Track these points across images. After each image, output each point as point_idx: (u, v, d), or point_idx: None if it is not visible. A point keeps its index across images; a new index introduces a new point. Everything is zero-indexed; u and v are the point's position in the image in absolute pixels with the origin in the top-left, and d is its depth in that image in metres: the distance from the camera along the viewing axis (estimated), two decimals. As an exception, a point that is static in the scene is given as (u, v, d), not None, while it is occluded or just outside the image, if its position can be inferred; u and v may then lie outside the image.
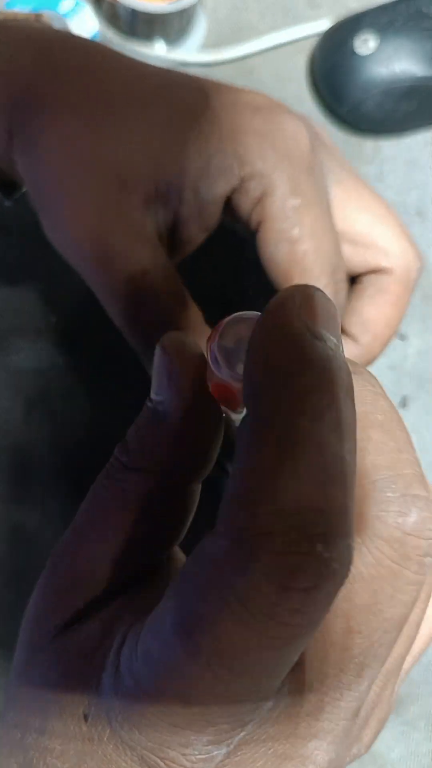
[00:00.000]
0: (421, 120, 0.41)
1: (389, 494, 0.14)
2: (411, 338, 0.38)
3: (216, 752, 0.14)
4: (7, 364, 0.34)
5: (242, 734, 0.14)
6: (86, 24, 0.39)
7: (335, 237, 0.27)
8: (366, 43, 0.39)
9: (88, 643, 0.16)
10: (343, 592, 0.14)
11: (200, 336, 0.25)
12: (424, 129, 0.42)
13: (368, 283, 0.29)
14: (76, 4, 0.39)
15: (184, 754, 0.14)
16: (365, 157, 0.41)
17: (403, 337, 0.38)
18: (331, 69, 0.41)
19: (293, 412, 0.13)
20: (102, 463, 0.18)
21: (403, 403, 0.37)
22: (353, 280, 0.30)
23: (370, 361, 0.30)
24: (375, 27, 0.39)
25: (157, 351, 0.17)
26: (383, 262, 0.29)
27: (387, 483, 0.14)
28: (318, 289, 0.14)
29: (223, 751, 0.14)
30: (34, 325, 0.35)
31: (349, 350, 0.29)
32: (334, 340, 0.13)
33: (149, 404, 0.17)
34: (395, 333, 0.30)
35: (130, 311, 0.25)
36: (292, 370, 0.13)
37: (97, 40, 0.40)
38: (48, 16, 0.29)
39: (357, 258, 0.29)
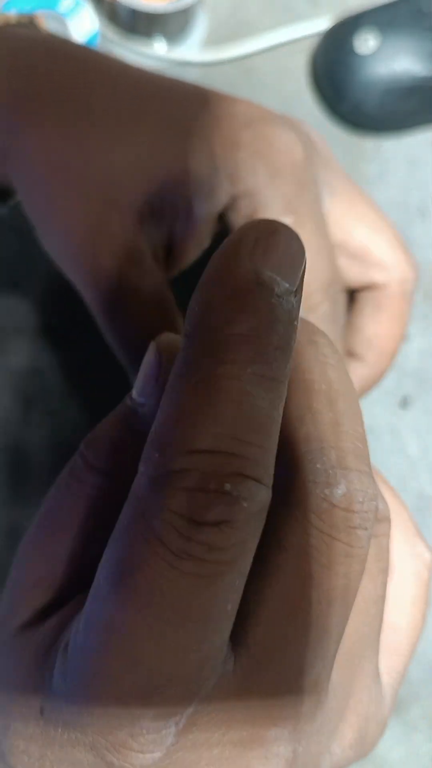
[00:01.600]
0: (422, 119, 0.41)
1: (318, 465, 0.14)
2: (412, 337, 0.38)
3: (165, 731, 0.13)
4: (7, 364, 0.34)
5: (190, 710, 0.14)
6: (86, 23, 0.39)
7: (330, 251, 0.27)
8: (366, 43, 0.39)
9: (45, 640, 0.15)
10: (277, 561, 0.14)
11: None
12: (425, 128, 0.42)
13: (366, 300, 0.29)
14: (76, 3, 0.39)
15: (132, 735, 0.13)
16: (366, 156, 0.41)
17: (404, 337, 0.38)
18: (331, 68, 0.41)
19: (216, 360, 0.13)
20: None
21: (404, 403, 0.37)
22: (351, 294, 0.30)
23: (379, 377, 0.30)
24: (375, 26, 0.39)
25: (150, 351, 0.16)
26: (379, 277, 0.28)
27: (318, 455, 0.15)
28: (282, 226, 0.13)
29: (172, 729, 0.14)
30: (34, 325, 0.35)
31: (357, 370, 0.29)
32: (286, 286, 0.13)
33: (129, 403, 0.17)
34: (401, 345, 0.30)
35: (118, 329, 0.25)
36: (225, 316, 0.13)
37: (97, 39, 0.40)
38: (42, 17, 0.29)
39: (353, 271, 0.29)
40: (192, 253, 0.27)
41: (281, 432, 0.14)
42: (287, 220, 0.25)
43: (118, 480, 0.16)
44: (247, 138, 0.25)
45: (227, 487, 0.12)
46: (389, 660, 0.18)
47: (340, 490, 0.14)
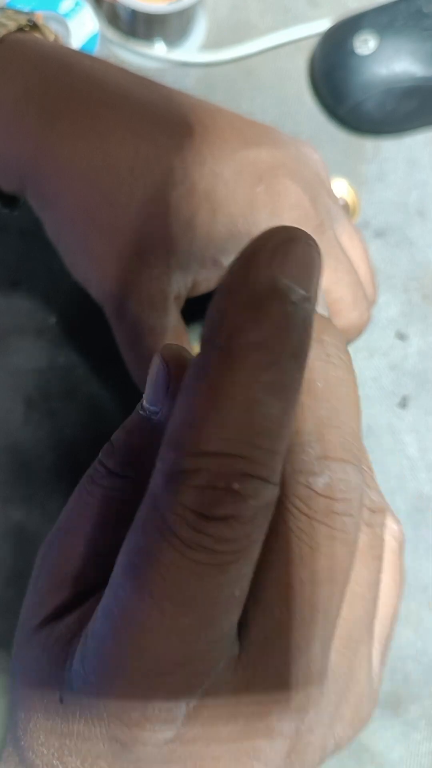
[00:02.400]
0: (422, 120, 0.41)
1: (303, 457, 0.15)
2: (411, 338, 0.38)
3: (176, 710, 0.15)
4: (7, 364, 0.34)
5: (200, 691, 0.15)
6: (86, 24, 0.39)
7: (350, 269, 0.29)
8: (366, 43, 0.39)
9: (65, 635, 0.16)
10: (272, 546, 0.15)
11: None
12: (424, 129, 0.42)
13: None
14: (76, 4, 0.39)
15: (144, 715, 0.14)
16: (365, 156, 0.41)
17: (403, 337, 0.38)
18: (331, 69, 0.41)
19: (229, 367, 0.13)
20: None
21: (403, 403, 0.37)
22: None
23: None
24: (375, 27, 0.39)
25: (155, 361, 0.17)
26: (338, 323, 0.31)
27: (304, 447, 0.15)
28: (301, 233, 0.14)
29: (183, 710, 0.15)
30: (34, 325, 0.35)
31: None
32: (302, 293, 0.13)
33: (141, 412, 0.18)
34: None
35: (133, 359, 0.28)
36: (240, 324, 0.13)
37: (97, 40, 0.40)
38: (41, 17, 0.29)
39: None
40: (212, 286, 0.29)
41: None
42: None
43: (136, 483, 0.17)
44: (261, 196, 0.27)
45: (235, 485, 0.13)
46: (375, 627, 0.19)
47: (322, 479, 0.15)
